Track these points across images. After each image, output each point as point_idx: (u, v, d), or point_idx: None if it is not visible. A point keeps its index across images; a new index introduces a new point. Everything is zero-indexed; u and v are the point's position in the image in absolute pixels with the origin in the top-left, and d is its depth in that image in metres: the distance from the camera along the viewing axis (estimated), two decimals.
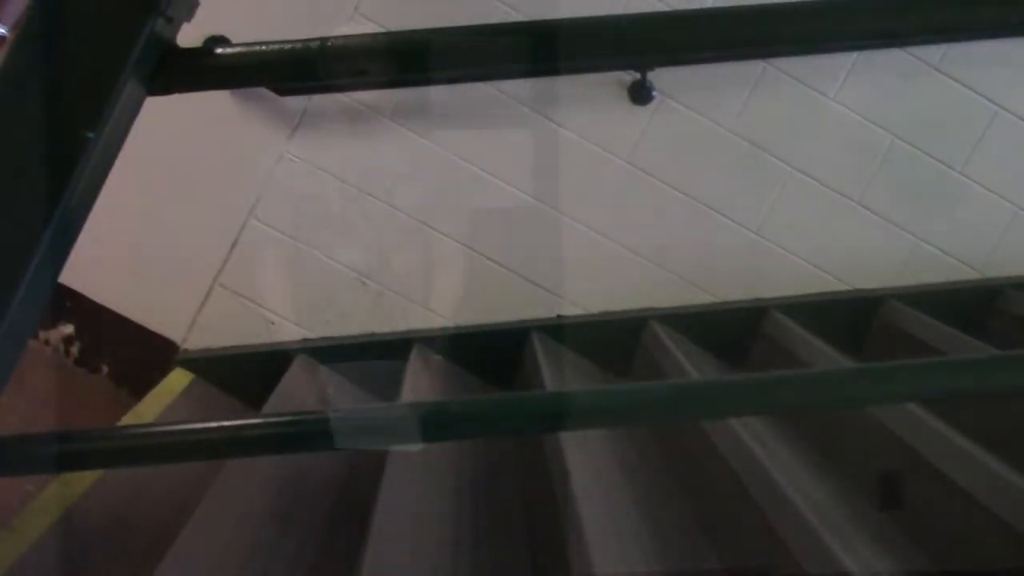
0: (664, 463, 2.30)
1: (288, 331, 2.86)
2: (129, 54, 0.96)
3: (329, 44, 1.05)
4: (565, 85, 2.75)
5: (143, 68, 1.00)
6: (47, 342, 2.88)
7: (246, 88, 2.61)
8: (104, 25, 0.95)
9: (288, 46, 1.05)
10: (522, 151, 2.80)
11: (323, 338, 2.85)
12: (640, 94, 2.76)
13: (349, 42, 1.07)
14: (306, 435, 1.08)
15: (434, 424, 1.08)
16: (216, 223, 2.76)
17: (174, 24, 1.02)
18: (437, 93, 2.72)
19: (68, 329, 2.87)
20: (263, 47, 1.05)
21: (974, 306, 2.89)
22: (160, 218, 2.75)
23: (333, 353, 2.82)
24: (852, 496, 2.00)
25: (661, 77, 2.75)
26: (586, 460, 2.03)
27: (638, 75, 2.74)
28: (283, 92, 2.61)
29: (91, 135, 0.97)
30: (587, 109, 2.78)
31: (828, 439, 2.29)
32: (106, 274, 2.86)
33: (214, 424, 1.14)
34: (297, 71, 1.14)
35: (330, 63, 1.10)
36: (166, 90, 1.05)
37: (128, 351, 2.86)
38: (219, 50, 1.04)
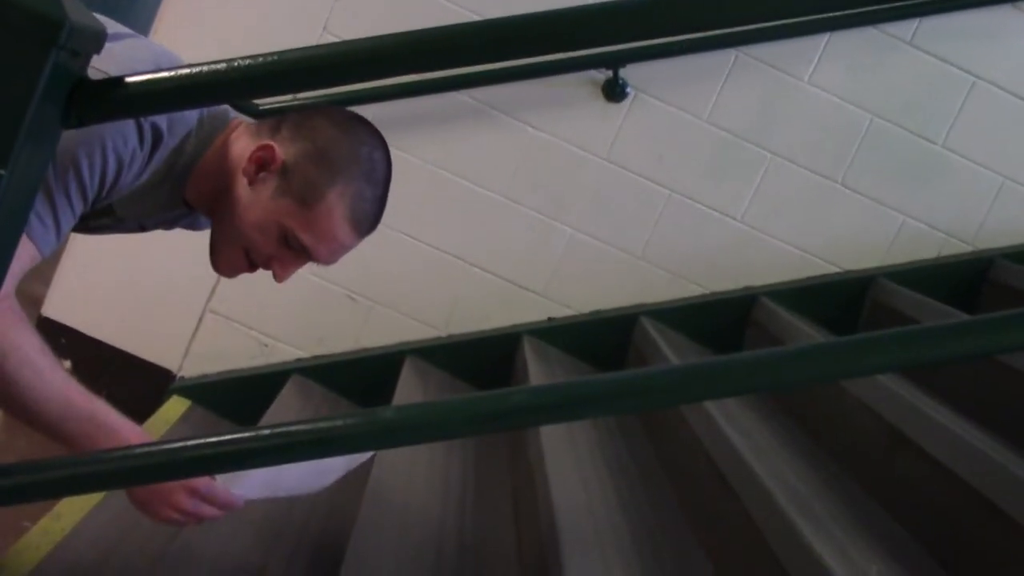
0: (656, 460, 2.29)
1: (282, 352, 2.88)
2: (33, 91, 0.97)
3: (238, 64, 1.06)
4: (538, 88, 2.75)
5: (53, 102, 1.01)
6: None
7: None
8: (3, 64, 0.96)
9: (197, 69, 1.05)
10: (501, 157, 2.81)
11: (315, 356, 2.87)
12: (614, 91, 2.77)
13: (263, 60, 1.07)
14: (272, 448, 1.08)
15: (384, 431, 1.08)
16: (202, 250, 2.78)
17: (81, 57, 1.03)
18: (411, 104, 2.73)
19: (66, 364, 2.90)
20: (171, 73, 1.05)
21: (967, 280, 2.87)
22: (147, 250, 2.76)
23: (326, 371, 2.84)
24: (833, 478, 1.99)
25: (634, 73, 2.75)
26: (571, 459, 2.03)
27: (610, 72, 2.75)
28: None
29: (2, 172, 0.98)
30: (562, 110, 2.79)
31: (809, 420, 2.27)
32: (99, 309, 2.89)
33: (184, 443, 1.12)
34: (213, 92, 1.15)
35: (252, 81, 1.11)
36: (80, 122, 1.06)
37: (125, 383, 2.88)
38: (129, 79, 1.05)
